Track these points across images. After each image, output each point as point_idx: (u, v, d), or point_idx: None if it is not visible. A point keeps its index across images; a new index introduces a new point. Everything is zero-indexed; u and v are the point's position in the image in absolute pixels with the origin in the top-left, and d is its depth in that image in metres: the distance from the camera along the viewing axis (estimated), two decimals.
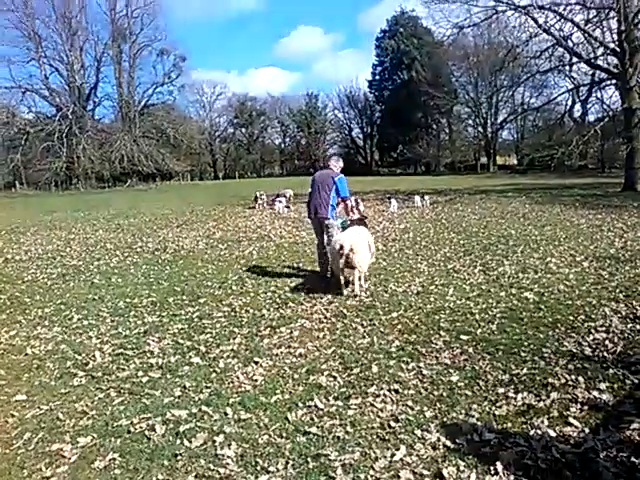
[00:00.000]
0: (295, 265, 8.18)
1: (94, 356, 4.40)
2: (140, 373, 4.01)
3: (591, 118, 34.98)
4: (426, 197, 17.70)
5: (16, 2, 45.31)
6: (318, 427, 3.07)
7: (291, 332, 4.88)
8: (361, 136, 70.95)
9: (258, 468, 2.71)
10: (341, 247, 5.94)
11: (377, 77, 64.87)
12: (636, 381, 3.49)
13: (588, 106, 36.89)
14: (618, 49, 19.96)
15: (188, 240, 11.44)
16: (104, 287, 7.18)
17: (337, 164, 7.04)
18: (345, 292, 6.19)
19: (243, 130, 70.84)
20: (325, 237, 6.91)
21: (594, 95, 29.31)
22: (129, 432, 3.11)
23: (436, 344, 4.41)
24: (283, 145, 74.01)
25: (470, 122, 60.48)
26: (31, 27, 46.49)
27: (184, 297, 6.41)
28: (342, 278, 6.29)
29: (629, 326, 4.64)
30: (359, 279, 6.30)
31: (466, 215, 14.26)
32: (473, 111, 57.92)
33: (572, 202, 16.64)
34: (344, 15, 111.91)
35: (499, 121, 55.73)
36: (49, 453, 2.93)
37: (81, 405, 3.49)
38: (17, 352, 4.61)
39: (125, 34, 50.52)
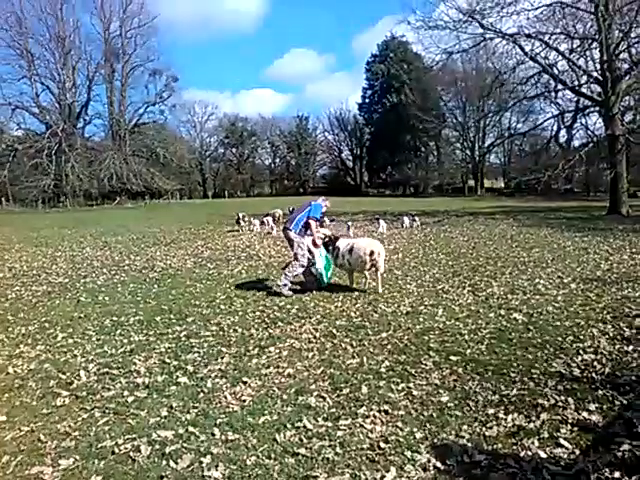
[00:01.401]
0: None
1: (79, 375, 4.31)
2: (126, 393, 3.93)
3: (576, 143, 35.97)
4: (416, 218, 17.85)
5: (10, 21, 45.74)
6: (307, 448, 3.02)
7: (280, 352, 4.83)
8: (351, 157, 71.83)
9: None
10: (372, 252, 7.19)
11: (367, 100, 66.08)
12: (625, 402, 3.50)
13: (573, 132, 37.99)
14: (601, 77, 20.58)
15: (176, 259, 11.36)
16: (90, 305, 7.07)
17: (323, 202, 7.90)
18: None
19: (233, 150, 71.33)
20: (299, 252, 7.40)
21: (579, 121, 30.17)
22: (113, 453, 3.02)
23: (426, 364, 4.39)
24: (273, 165, 74.55)
25: (458, 145, 61.58)
26: (24, 46, 46.65)
27: (171, 316, 6.33)
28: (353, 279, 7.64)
29: (617, 347, 4.66)
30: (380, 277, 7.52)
31: (454, 237, 14.37)
32: (461, 135, 59.02)
33: (559, 225, 16.88)
34: (337, 39, 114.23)
35: (486, 145, 56.90)
36: (28, 477, 2.83)
37: (64, 426, 3.40)
38: None
39: (118, 54, 50.88)
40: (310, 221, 7.43)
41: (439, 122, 56.07)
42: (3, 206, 47.03)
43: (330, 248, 7.69)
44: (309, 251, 7.51)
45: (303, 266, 7.40)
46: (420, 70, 49.64)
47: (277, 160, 74.15)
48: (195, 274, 9.36)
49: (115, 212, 36.32)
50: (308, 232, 7.55)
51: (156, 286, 8.35)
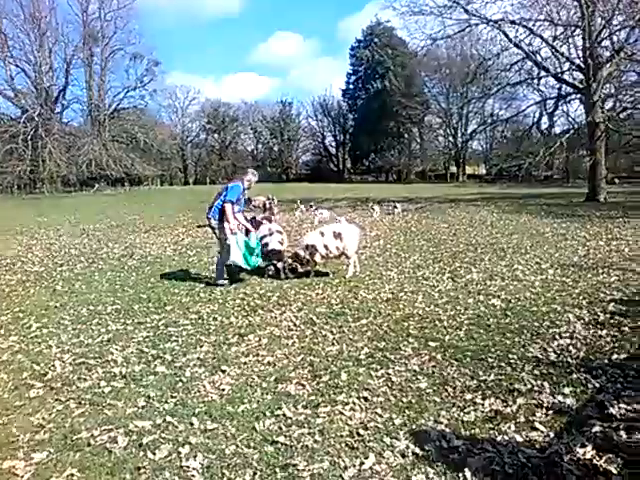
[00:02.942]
0: (264, 272, 8.09)
1: (53, 366, 4.23)
2: (102, 383, 3.87)
3: (557, 130, 36.28)
4: (397, 205, 17.88)
5: None
6: (286, 436, 3.02)
7: (259, 340, 4.81)
8: (334, 144, 71.37)
9: (225, 479, 2.64)
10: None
11: (351, 86, 65.51)
12: (598, 385, 3.57)
13: (554, 119, 38.30)
14: (583, 65, 20.71)
15: (156, 246, 11.22)
16: (67, 294, 6.94)
17: (245, 177, 7.34)
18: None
19: (215, 136, 70.24)
20: (222, 238, 7.08)
21: (560, 108, 30.33)
22: (89, 445, 2.98)
23: (405, 351, 4.41)
24: (255, 151, 73.70)
25: (441, 132, 61.62)
26: None
27: (150, 304, 6.26)
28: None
29: (591, 332, 4.75)
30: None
31: (436, 223, 14.46)
32: (444, 121, 59.05)
33: (538, 211, 17.10)
34: (323, 23, 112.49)
35: (469, 131, 57.14)
36: (0, 472, 2.77)
37: (37, 418, 3.33)
38: None
39: (97, 37, 49.14)
40: (225, 205, 6.92)
41: (422, 108, 56.00)
42: None
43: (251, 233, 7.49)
44: (224, 240, 7.06)
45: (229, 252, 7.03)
46: (405, 56, 49.50)
47: (260, 146, 73.32)
48: (175, 262, 9.26)
49: (94, 199, 35.64)
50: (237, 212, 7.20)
51: (134, 274, 8.24)
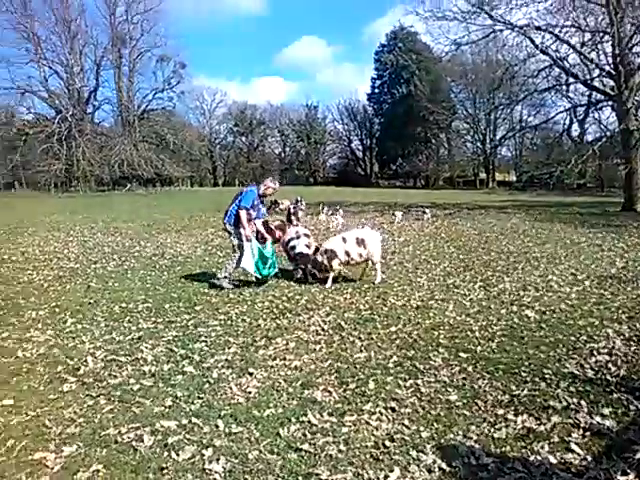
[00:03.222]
0: (292, 275, 8.09)
1: (86, 361, 4.31)
2: (132, 381, 3.92)
3: (589, 137, 35.28)
4: (427, 210, 17.69)
5: (15, 3, 45.13)
6: (310, 444, 2.98)
7: (287, 343, 4.79)
8: (360, 148, 71.23)
9: None
10: None
11: (376, 90, 65.26)
12: None
13: (586, 126, 37.27)
14: (614, 71, 20.09)
15: (186, 246, 11.36)
16: (100, 291, 7.09)
17: (264, 184, 7.33)
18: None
19: (243, 138, 70.98)
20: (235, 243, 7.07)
21: (591, 115, 29.56)
22: (116, 442, 3.01)
23: (435, 361, 4.32)
24: (283, 154, 74.16)
25: (469, 138, 60.80)
26: (30, 29, 46.09)
27: (180, 304, 6.32)
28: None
29: (632, 349, 4.55)
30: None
31: (466, 230, 14.22)
32: (472, 127, 58.24)
33: (571, 220, 16.64)
34: (347, 27, 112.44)
35: (498, 138, 55.99)
36: (31, 462, 2.83)
37: (69, 412, 3.40)
38: (8, 355, 4.51)
39: (125, 39, 50.27)
40: (240, 212, 6.87)
41: (449, 114, 55.37)
42: (16, 190, 47.58)
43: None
44: (240, 246, 7.02)
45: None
46: (429, 61, 49.04)
47: (287, 149, 73.75)
48: (205, 262, 9.35)
49: (126, 198, 36.46)
50: (254, 219, 7.18)
51: (166, 273, 8.36)
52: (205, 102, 68.14)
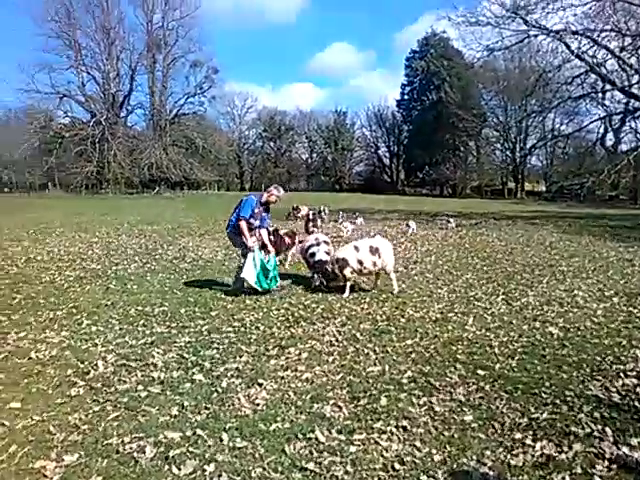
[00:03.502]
0: (310, 283, 8.00)
1: (96, 365, 4.30)
2: (140, 387, 3.88)
3: (624, 147, 34.17)
4: (451, 219, 17.40)
5: (60, 13, 47.25)
6: (316, 463, 2.87)
7: (300, 354, 4.69)
8: (387, 155, 70.99)
9: None
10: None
11: (406, 97, 65.01)
12: None
13: (621, 135, 36.16)
14: None
15: (208, 250, 11.41)
16: (118, 293, 7.14)
17: (267, 191, 7.30)
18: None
19: (271, 144, 71.57)
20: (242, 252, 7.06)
21: (628, 124, 28.67)
22: (118, 452, 2.96)
23: (451, 378, 4.16)
24: (310, 160, 74.41)
25: (498, 146, 59.80)
26: (72, 36, 48.17)
27: (196, 309, 6.30)
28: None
29: None
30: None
31: (491, 240, 13.90)
32: (502, 135, 57.29)
33: (601, 233, 16.09)
34: (378, 34, 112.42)
35: (528, 146, 54.81)
36: (31, 471, 2.79)
37: (74, 418, 3.37)
38: (21, 356, 4.54)
39: (160, 45, 51.52)
40: (240, 222, 6.81)
41: (479, 121, 54.70)
42: (50, 191, 49.02)
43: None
44: (244, 255, 6.98)
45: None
46: (461, 67, 48.47)
47: (314, 155, 73.98)
48: (225, 266, 9.34)
49: (153, 201, 37.11)
50: (256, 228, 7.11)
51: (185, 277, 8.38)
52: (235, 107, 69.15)
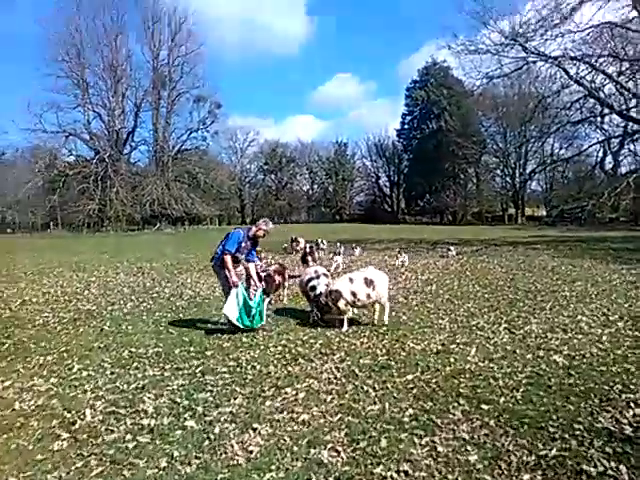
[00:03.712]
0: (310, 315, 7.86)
1: (84, 414, 4.12)
2: (128, 437, 3.71)
3: (623, 170, 34.30)
4: (451, 247, 17.31)
5: (70, 53, 48.60)
6: None
7: (297, 393, 4.52)
8: (388, 184, 71.47)
9: None
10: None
11: (406, 126, 65.95)
12: None
13: (620, 158, 36.35)
14: None
15: (206, 286, 11.28)
16: (112, 334, 6.99)
17: (256, 225, 7.16)
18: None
19: (272, 176, 72.22)
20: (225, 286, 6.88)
21: (627, 147, 28.85)
22: None
23: (454, 414, 3.98)
24: (311, 192, 74.93)
25: (498, 172, 60.26)
26: (81, 75, 49.33)
27: (191, 348, 6.15)
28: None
29: None
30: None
31: (492, 267, 13.76)
32: (501, 161, 57.76)
33: (603, 256, 15.95)
34: (379, 65, 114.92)
35: (528, 172, 55.24)
36: None
37: (54, 477, 3.18)
38: (4, 407, 4.35)
39: (165, 81, 52.61)
40: (224, 256, 6.66)
41: (479, 148, 55.31)
42: (51, 230, 49.23)
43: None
44: (225, 292, 6.88)
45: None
46: (461, 95, 49.26)
47: (315, 186, 74.61)
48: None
49: (154, 237, 37.16)
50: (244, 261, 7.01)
51: (181, 315, 8.24)
52: (238, 141, 70.07)
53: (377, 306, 7.20)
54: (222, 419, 4.00)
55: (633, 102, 21.90)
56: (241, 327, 6.71)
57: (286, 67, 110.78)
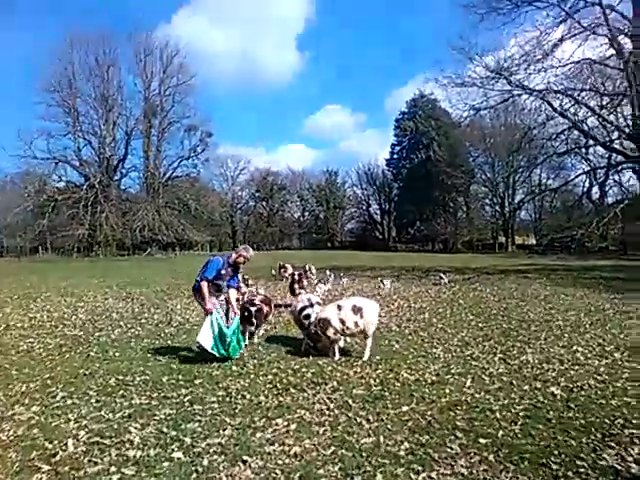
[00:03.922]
0: (301, 344, 7.70)
1: (66, 445, 3.94)
2: (113, 469, 3.54)
3: (610, 200, 34.85)
4: (443, 275, 17.28)
5: (62, 83, 49.00)
6: None
7: (288, 425, 4.37)
8: (379, 212, 71.93)
9: None
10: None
11: (395, 156, 66.84)
12: None
13: (606, 188, 36.97)
14: (633, 134, 20.17)
15: (195, 312, 11.06)
16: (99, 361, 6.79)
17: (236, 252, 7.05)
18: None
19: (264, 203, 72.49)
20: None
21: (612, 178, 29.36)
22: None
23: (451, 448, 3.85)
24: (302, 219, 75.21)
25: (487, 201, 60.91)
26: (72, 105, 49.65)
27: (180, 376, 5.97)
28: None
29: None
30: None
31: (485, 296, 13.71)
32: (490, 190, 58.43)
33: (595, 285, 15.97)
34: (369, 97, 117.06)
35: (517, 201, 55.86)
36: None
37: None
38: None
39: (156, 110, 53.08)
40: (202, 283, 6.59)
41: (468, 178, 55.98)
42: (41, 255, 48.67)
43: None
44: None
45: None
46: (448, 126, 50.12)
47: (306, 214, 74.95)
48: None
49: (145, 263, 36.79)
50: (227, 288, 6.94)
51: (169, 342, 8.06)
52: (229, 169, 70.44)
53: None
54: (211, 451, 3.84)
55: (615, 134, 22.42)
56: (217, 356, 6.53)
57: (277, 98, 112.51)
